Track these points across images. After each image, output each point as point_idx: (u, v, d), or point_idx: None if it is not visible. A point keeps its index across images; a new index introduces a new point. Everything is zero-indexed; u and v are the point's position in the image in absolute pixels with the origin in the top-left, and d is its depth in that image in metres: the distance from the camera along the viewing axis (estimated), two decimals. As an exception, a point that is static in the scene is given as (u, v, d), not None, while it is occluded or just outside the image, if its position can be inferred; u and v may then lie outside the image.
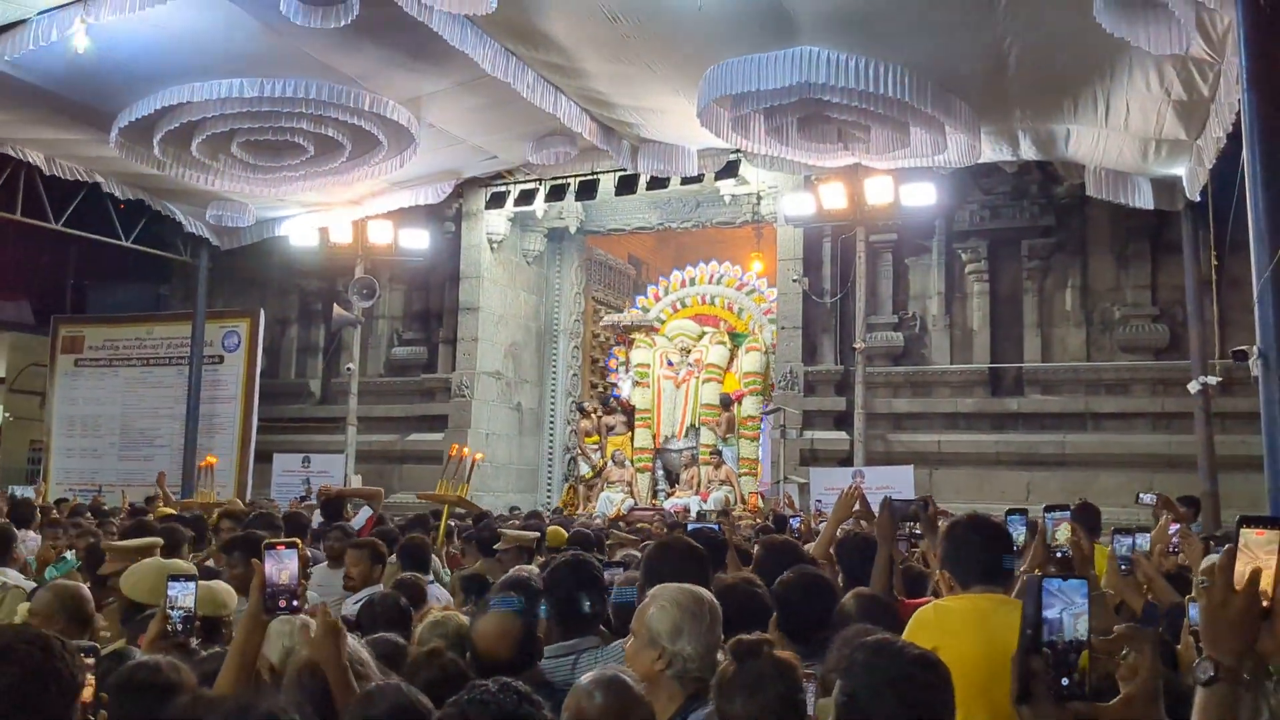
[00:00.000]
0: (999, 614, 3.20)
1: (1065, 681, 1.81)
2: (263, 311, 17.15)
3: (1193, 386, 11.31)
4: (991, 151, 11.49)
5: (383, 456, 16.93)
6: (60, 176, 13.69)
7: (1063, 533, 3.69)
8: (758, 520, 11.86)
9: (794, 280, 15.02)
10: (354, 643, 2.97)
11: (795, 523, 9.89)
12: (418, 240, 16.18)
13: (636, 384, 17.21)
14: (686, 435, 16.81)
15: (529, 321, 18.22)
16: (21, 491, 13.29)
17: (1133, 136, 10.28)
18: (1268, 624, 1.81)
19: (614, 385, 18.33)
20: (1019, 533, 3.82)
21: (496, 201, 16.25)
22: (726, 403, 16.50)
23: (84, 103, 11.40)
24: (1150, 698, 1.87)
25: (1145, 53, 7.97)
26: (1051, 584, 1.86)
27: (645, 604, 2.95)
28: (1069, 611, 1.83)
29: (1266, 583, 1.81)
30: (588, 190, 15.20)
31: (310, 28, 8.79)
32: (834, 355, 15.08)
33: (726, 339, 17.11)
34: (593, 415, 17.54)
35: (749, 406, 16.55)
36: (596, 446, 17.27)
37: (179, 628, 3.17)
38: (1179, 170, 10.79)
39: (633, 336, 17.57)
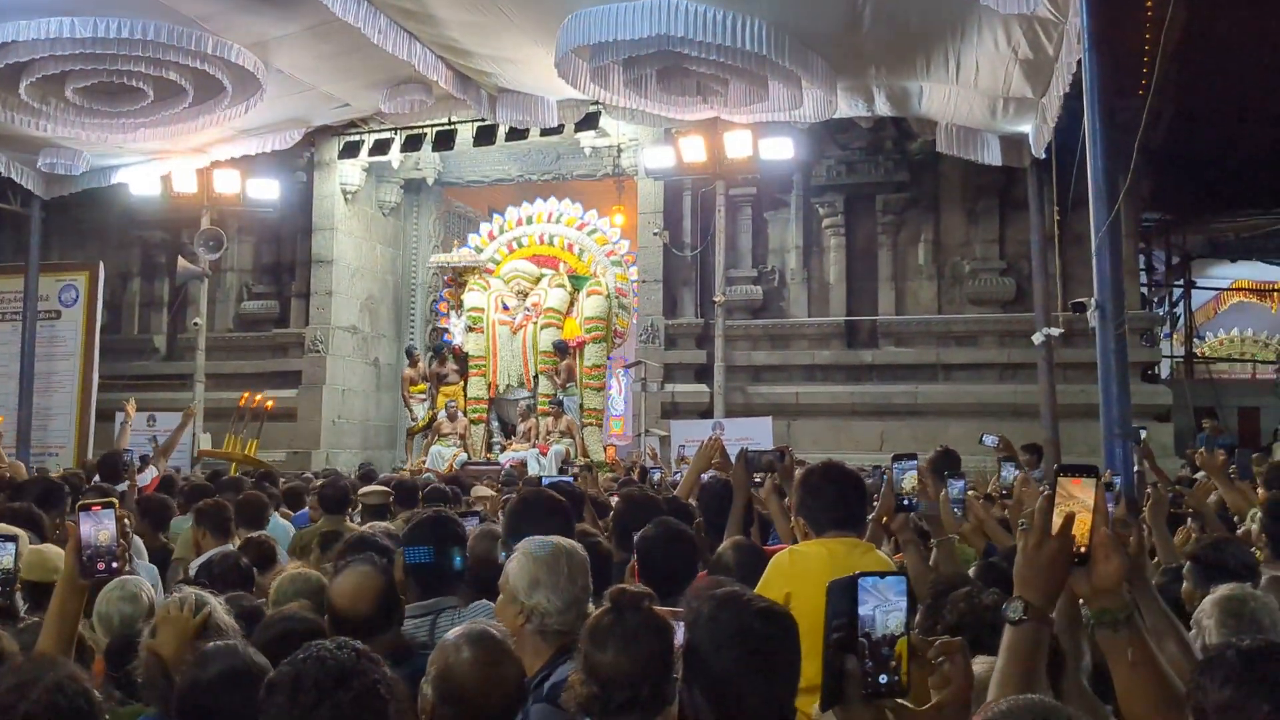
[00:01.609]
0: (853, 557, 3.29)
1: (884, 679, 1.80)
2: (102, 264, 16.36)
3: (1036, 338, 11.72)
4: (847, 107, 11.64)
5: (233, 414, 16.42)
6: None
7: (908, 482, 3.77)
8: (619, 474, 11.86)
9: (655, 234, 15.06)
10: (221, 613, 2.87)
11: (655, 474, 9.96)
12: (267, 190, 15.62)
13: (470, 329, 15.92)
14: (523, 384, 15.75)
15: (386, 275, 17.86)
16: None
17: (982, 94, 10.52)
18: (1084, 569, 1.87)
19: (445, 331, 16.83)
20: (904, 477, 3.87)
21: (350, 151, 15.80)
22: (563, 349, 15.30)
23: (-104, 40, 10.59)
24: (960, 706, 1.90)
25: (994, 12, 8.12)
26: (867, 581, 1.83)
27: (509, 558, 2.90)
28: (882, 609, 1.82)
29: (1082, 529, 1.86)
30: (445, 140, 14.90)
31: (146, -36, 8.33)
32: (694, 308, 15.21)
33: (566, 282, 15.86)
34: (419, 363, 16.37)
35: (591, 354, 15.51)
36: (424, 397, 16.12)
37: None
38: (1026, 128, 11.10)
39: (465, 279, 16.35)
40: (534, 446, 14.70)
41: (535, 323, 15.66)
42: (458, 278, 16.38)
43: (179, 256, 15.95)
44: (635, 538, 3.89)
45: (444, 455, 14.76)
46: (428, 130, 14.93)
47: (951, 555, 3.91)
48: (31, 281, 15.65)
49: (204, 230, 15.35)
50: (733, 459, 4.91)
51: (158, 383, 16.72)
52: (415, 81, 12.05)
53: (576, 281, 15.98)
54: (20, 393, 15.39)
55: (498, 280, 16.15)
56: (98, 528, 2.62)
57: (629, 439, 15.74)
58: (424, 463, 14.62)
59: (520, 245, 16.54)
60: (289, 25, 10.66)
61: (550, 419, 15.01)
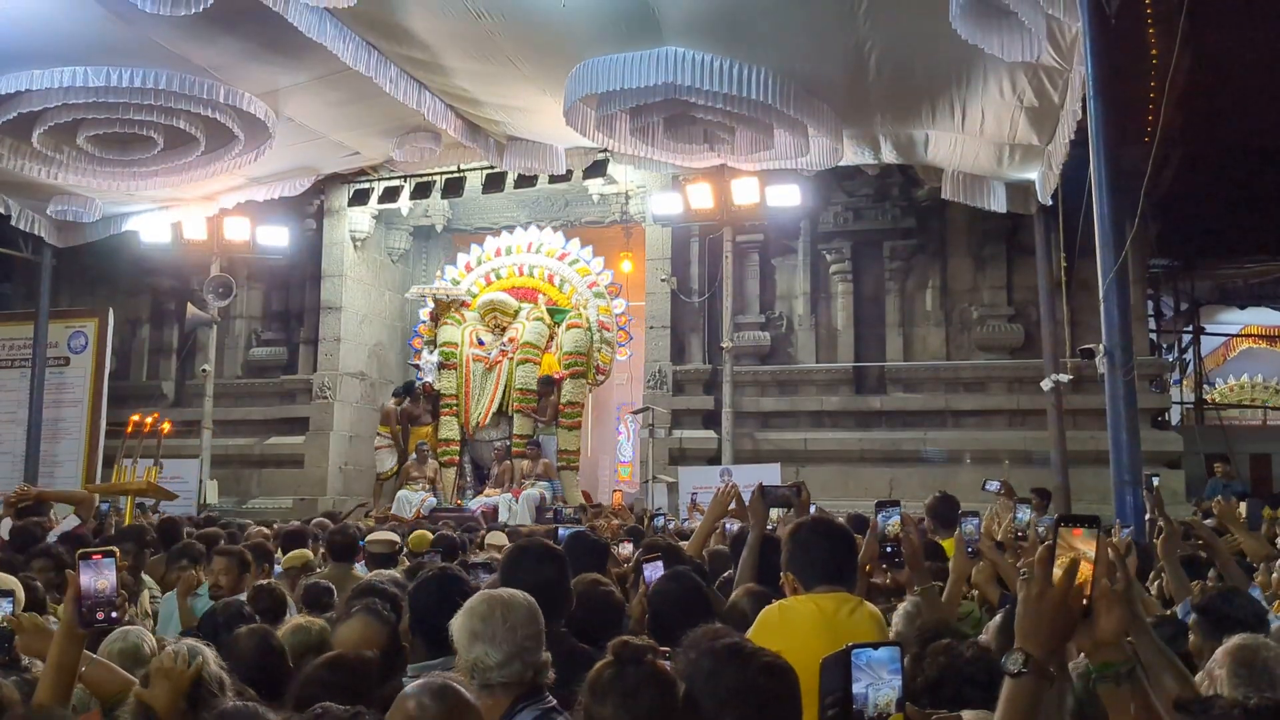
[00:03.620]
0: (842, 613, 3.26)
1: None
2: (112, 311, 16.41)
3: (1045, 384, 11.69)
4: (854, 154, 11.69)
5: (240, 461, 16.41)
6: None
7: (892, 528, 3.76)
8: (626, 520, 11.74)
9: (662, 280, 15.08)
10: (214, 665, 2.84)
11: (659, 522, 9.90)
12: (277, 237, 15.73)
13: (442, 366, 15.06)
14: (498, 424, 14.87)
15: (394, 321, 17.88)
16: None
17: (988, 141, 10.57)
18: (1087, 622, 1.83)
19: (416, 367, 16.00)
20: (889, 522, 3.87)
21: (360, 199, 15.89)
22: (548, 383, 14.55)
23: (-89, 89, 10.72)
24: None
25: (999, 60, 8.19)
26: (860, 657, 1.80)
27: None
28: (874, 686, 1.79)
29: (1084, 580, 1.83)
30: (454, 188, 14.97)
31: (161, 15, 8.40)
32: (702, 354, 15.19)
33: (545, 315, 15.12)
34: (399, 402, 15.48)
35: (569, 390, 14.67)
36: (396, 439, 15.22)
37: None
38: (1032, 174, 11.14)
39: (437, 313, 15.53)
40: (508, 491, 13.96)
41: (512, 358, 14.90)
42: (435, 311, 15.65)
43: (188, 303, 16.02)
44: (648, 590, 3.86)
45: (411, 501, 14.02)
46: (437, 177, 15.00)
47: (934, 604, 3.85)
48: (41, 328, 15.73)
49: (213, 277, 15.45)
50: (746, 501, 4.87)
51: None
52: (425, 130, 12.14)
53: (556, 314, 15.27)
54: (28, 439, 15.42)
55: (473, 314, 15.39)
56: (97, 577, 2.60)
57: (636, 485, 15.60)
58: (389, 509, 13.90)
59: (499, 277, 15.89)
60: (300, 74, 10.78)
61: (527, 461, 14.25)
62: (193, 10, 8.26)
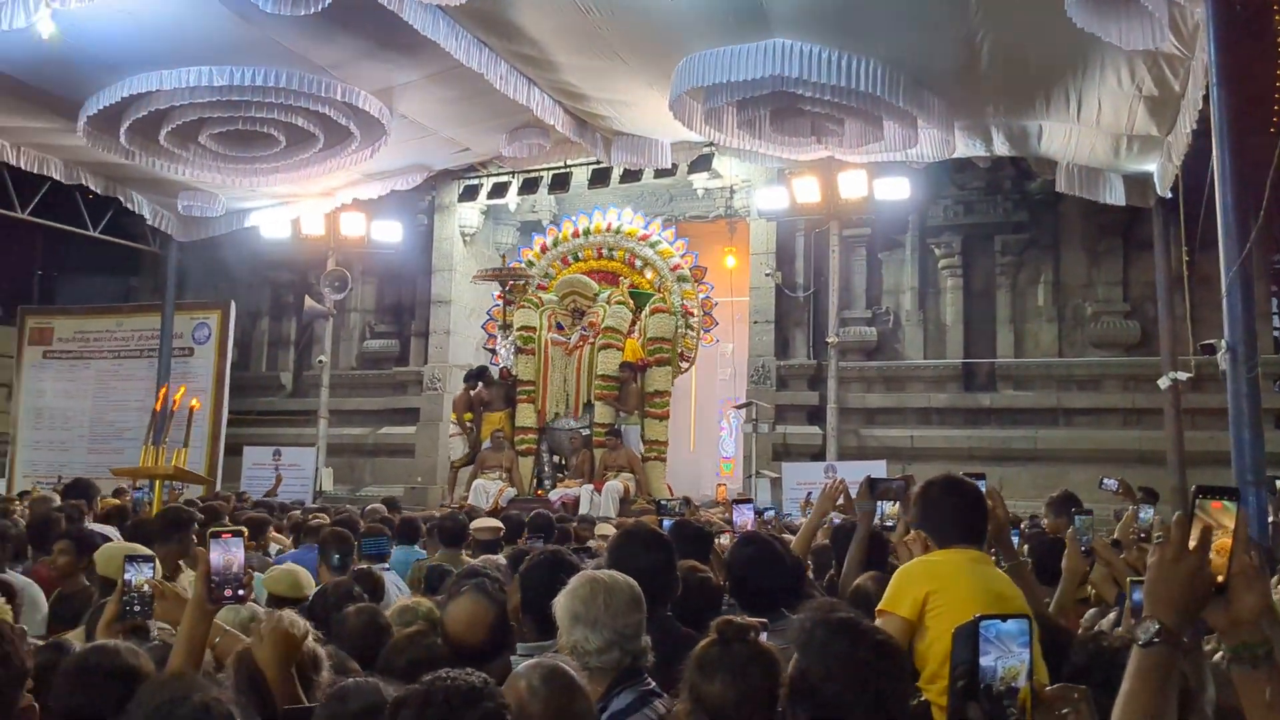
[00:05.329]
0: (984, 565, 3.29)
1: None
2: (233, 304, 17.03)
3: (1163, 382, 11.36)
4: (965, 147, 11.50)
5: (354, 450, 16.85)
6: (25, 168, 13.44)
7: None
8: (728, 514, 11.68)
9: (767, 274, 15.02)
10: (311, 641, 2.93)
11: (769, 514, 9.89)
12: (390, 232, 16.11)
13: (519, 351, 14.37)
14: (579, 412, 14.18)
15: (502, 315, 18.13)
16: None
17: (1104, 132, 10.30)
18: (1222, 598, 1.74)
19: (491, 351, 15.35)
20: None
21: (469, 194, 16.18)
22: (629, 369, 13.86)
23: (50, 90, 11.22)
24: None
25: (1117, 48, 7.96)
26: (989, 630, 1.79)
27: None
28: (1003, 660, 1.78)
29: (1221, 555, 1.76)
30: (560, 183, 15.15)
31: (281, 15, 8.66)
32: (807, 349, 15.11)
33: (628, 299, 14.37)
34: (471, 388, 14.85)
35: (655, 378, 14.04)
36: (464, 425, 14.73)
37: (135, 609, 3.15)
38: (1150, 166, 10.83)
39: (511, 296, 14.89)
40: (589, 482, 13.40)
41: (592, 344, 14.15)
42: (509, 294, 14.98)
43: (306, 296, 16.49)
44: (727, 557, 3.90)
45: (489, 491, 13.41)
46: (544, 173, 15.19)
47: (1025, 578, 3.76)
48: (167, 320, 16.41)
49: (330, 271, 15.88)
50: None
51: (284, 418, 17.27)
52: (533, 126, 12.30)
53: (639, 298, 14.62)
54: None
55: (551, 296, 14.77)
56: (226, 555, 2.71)
57: (739, 480, 15.54)
58: (467, 499, 13.34)
59: (576, 259, 15.27)
60: (413, 72, 11.01)
61: (607, 450, 13.62)
62: (312, 10, 8.49)
